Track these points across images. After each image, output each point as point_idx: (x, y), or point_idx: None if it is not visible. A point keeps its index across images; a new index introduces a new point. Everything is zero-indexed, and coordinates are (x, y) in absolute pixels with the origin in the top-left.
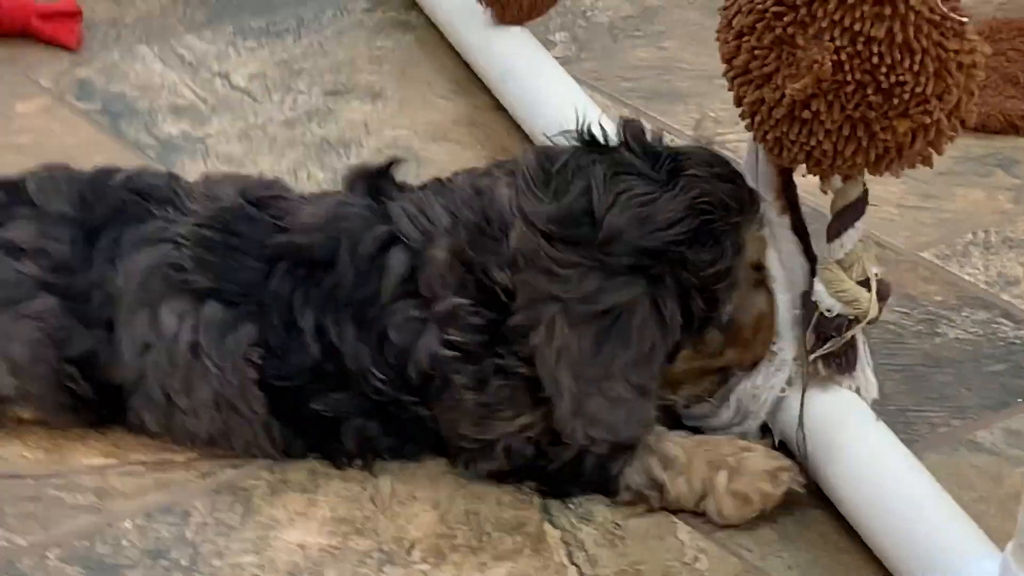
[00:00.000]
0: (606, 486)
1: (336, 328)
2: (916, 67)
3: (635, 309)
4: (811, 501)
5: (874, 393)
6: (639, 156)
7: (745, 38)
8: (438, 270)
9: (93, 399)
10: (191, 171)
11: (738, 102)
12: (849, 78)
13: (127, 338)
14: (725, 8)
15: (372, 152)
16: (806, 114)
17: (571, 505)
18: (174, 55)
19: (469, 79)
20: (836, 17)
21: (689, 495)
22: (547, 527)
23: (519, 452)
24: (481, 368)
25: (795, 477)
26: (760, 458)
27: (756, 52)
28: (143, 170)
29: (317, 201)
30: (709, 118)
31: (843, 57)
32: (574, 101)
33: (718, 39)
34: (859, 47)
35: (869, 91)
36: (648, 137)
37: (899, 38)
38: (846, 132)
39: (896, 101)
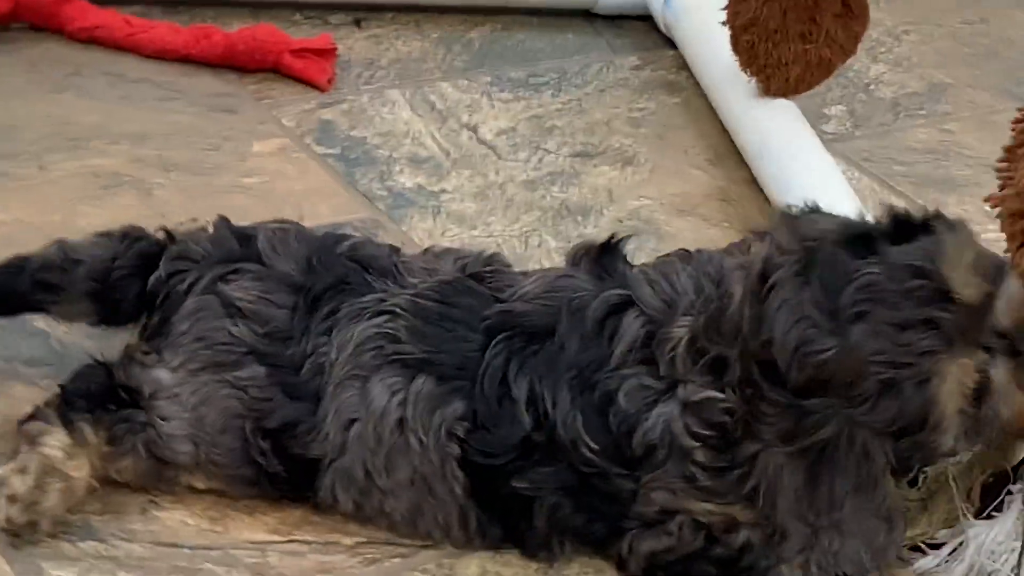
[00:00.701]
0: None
1: (551, 395)
2: None
3: (837, 443)
4: None
5: None
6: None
7: None
8: (680, 349)
9: (281, 475)
10: (419, 228)
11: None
12: None
13: (333, 411)
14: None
15: (611, 222)
16: None
17: None
18: (425, 102)
19: (730, 150)
20: None
21: None
22: None
23: (691, 534)
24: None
25: None
26: None
27: None
28: (368, 240)
29: (538, 275)
30: None
31: None
32: (830, 184)
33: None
34: None
35: None
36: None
37: None
38: None
39: None
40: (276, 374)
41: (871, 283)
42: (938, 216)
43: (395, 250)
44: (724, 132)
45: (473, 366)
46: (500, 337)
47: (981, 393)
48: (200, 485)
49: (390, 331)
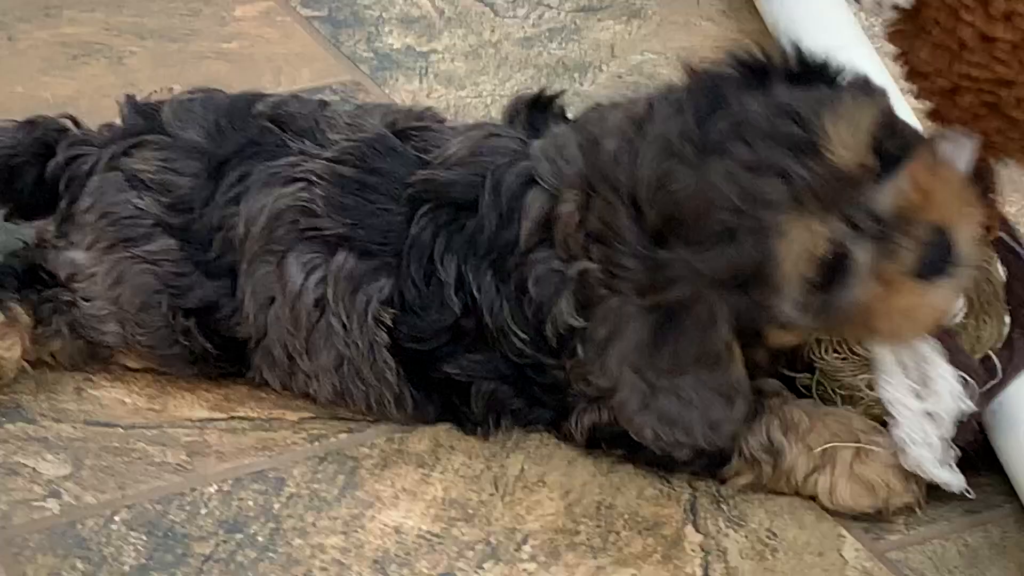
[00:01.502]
0: (721, 450)
1: (476, 280)
2: None
3: (687, 306)
4: (1014, 520)
5: None
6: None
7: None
8: (567, 228)
9: (212, 354)
10: (403, 90)
11: (1009, 122)
12: None
13: (249, 291)
14: (929, 13)
15: (610, 78)
16: None
17: (724, 506)
18: None
19: (745, 1)
20: None
21: (804, 465)
22: (688, 530)
23: None
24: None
25: (923, 491)
26: (892, 455)
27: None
28: (292, 97)
29: (468, 132)
30: None
31: None
32: (844, 35)
33: (947, 64)
34: None
35: None
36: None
37: None
38: None
39: None
40: (187, 248)
41: (742, 120)
42: (860, 78)
43: (323, 104)
44: None
45: (397, 240)
46: (425, 209)
47: (834, 269)
48: (134, 364)
49: (304, 203)
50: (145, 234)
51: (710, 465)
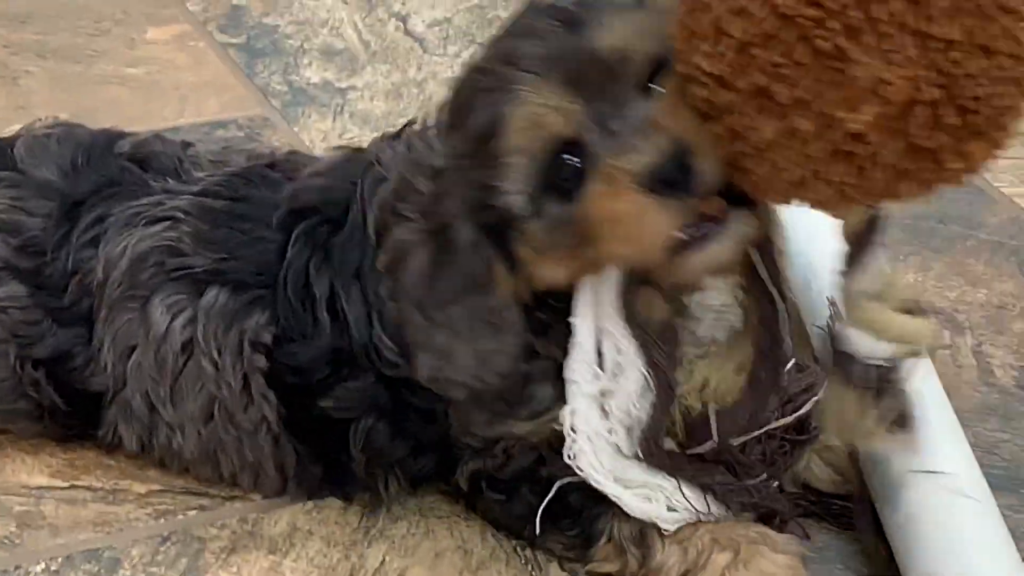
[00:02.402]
0: (589, 528)
1: (345, 292)
2: (996, 72)
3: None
4: None
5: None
6: None
7: (757, 51)
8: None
9: (61, 409)
10: (314, 128)
11: (734, 136)
12: (923, 98)
13: (109, 339)
14: (692, 5)
15: None
16: (860, 148)
17: None
18: None
19: None
20: (904, 19)
21: (677, 566)
22: None
23: (518, 457)
24: None
25: None
26: (777, 557)
27: (781, 70)
28: (155, 137)
29: (335, 150)
30: None
31: (915, 72)
32: None
33: (687, 47)
34: (933, 55)
35: (945, 112)
36: None
37: (979, 37)
38: (907, 165)
39: (975, 119)
40: (38, 294)
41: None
42: None
43: (186, 145)
44: None
45: (274, 268)
46: (300, 228)
47: (567, 152)
48: None
49: (171, 242)
50: None
51: (579, 541)
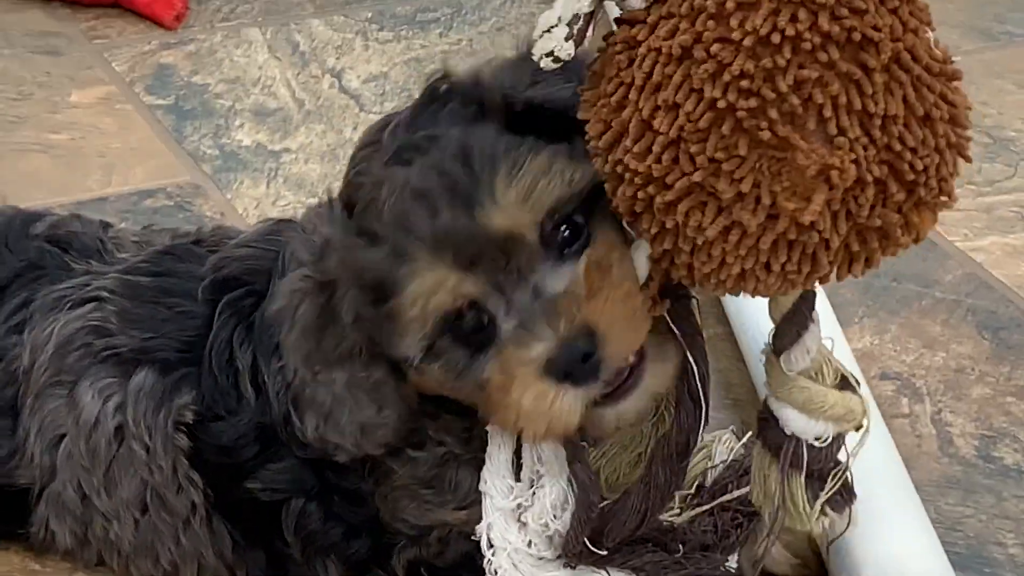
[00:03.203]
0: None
1: (265, 365)
2: (937, 140)
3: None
4: None
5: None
6: None
7: (692, 147)
8: None
9: None
10: (247, 195)
11: (671, 233)
12: (869, 177)
13: (36, 429)
14: (611, 103)
15: None
16: (809, 237)
17: None
18: (288, 43)
19: None
20: (844, 100)
21: None
22: None
23: (454, 544)
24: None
25: None
26: None
27: (721, 165)
28: (72, 217)
29: (263, 222)
30: None
31: (860, 153)
32: None
33: (611, 145)
34: (875, 134)
35: (892, 188)
36: None
37: (917, 109)
38: (856, 246)
39: (921, 191)
40: None
41: (435, 139)
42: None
43: (105, 226)
44: None
45: (200, 344)
46: (225, 300)
47: (471, 331)
48: None
49: (97, 322)
50: None
51: None
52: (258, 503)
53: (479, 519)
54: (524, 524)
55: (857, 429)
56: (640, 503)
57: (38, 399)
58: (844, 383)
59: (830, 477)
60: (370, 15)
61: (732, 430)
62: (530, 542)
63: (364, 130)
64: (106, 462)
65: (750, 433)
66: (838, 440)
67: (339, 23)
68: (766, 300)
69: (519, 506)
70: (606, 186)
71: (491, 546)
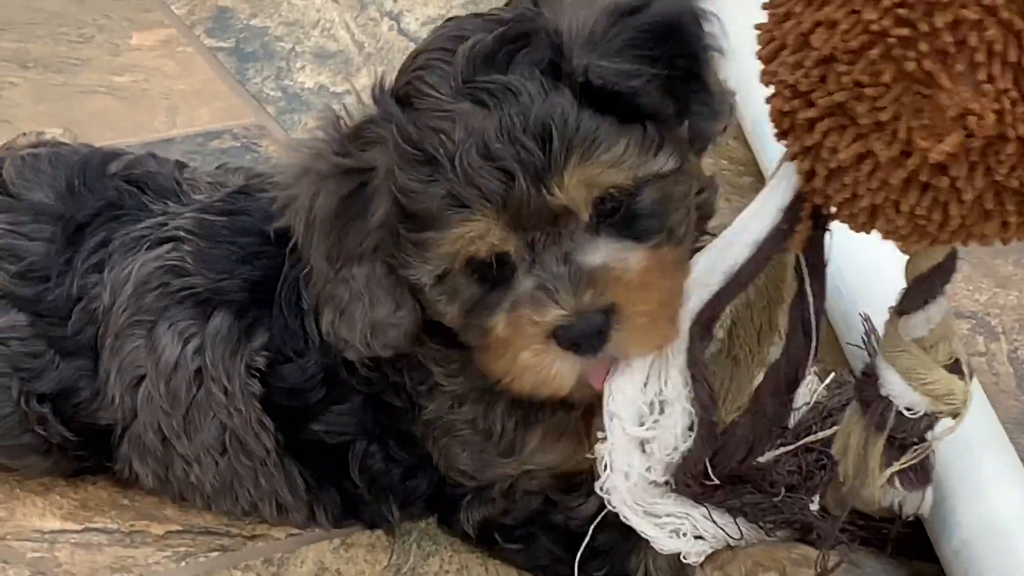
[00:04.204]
0: (621, 565)
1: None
2: None
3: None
4: None
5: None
6: None
7: (840, 66)
8: None
9: (72, 443)
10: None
11: (811, 155)
12: (1012, 134)
13: (115, 369)
14: (779, 14)
15: None
16: (940, 181)
17: None
18: None
19: None
20: (999, 49)
21: None
22: None
23: (521, 500)
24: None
25: None
26: None
27: (864, 89)
28: (148, 156)
29: None
30: None
31: (1006, 104)
32: None
33: (771, 56)
34: None
35: None
36: None
37: None
38: (990, 204)
39: None
40: (39, 323)
41: (514, 91)
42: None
43: (181, 166)
44: None
45: (273, 283)
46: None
47: (491, 282)
48: None
49: (175, 262)
50: None
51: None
52: (325, 446)
53: (535, 471)
54: (647, 451)
55: (953, 416)
56: (748, 434)
57: (118, 339)
58: (955, 366)
59: (910, 450)
60: None
61: (815, 371)
62: (649, 467)
63: (433, 30)
64: (186, 405)
65: (832, 375)
66: (930, 418)
67: None
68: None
69: (642, 419)
70: (767, 100)
71: (608, 468)
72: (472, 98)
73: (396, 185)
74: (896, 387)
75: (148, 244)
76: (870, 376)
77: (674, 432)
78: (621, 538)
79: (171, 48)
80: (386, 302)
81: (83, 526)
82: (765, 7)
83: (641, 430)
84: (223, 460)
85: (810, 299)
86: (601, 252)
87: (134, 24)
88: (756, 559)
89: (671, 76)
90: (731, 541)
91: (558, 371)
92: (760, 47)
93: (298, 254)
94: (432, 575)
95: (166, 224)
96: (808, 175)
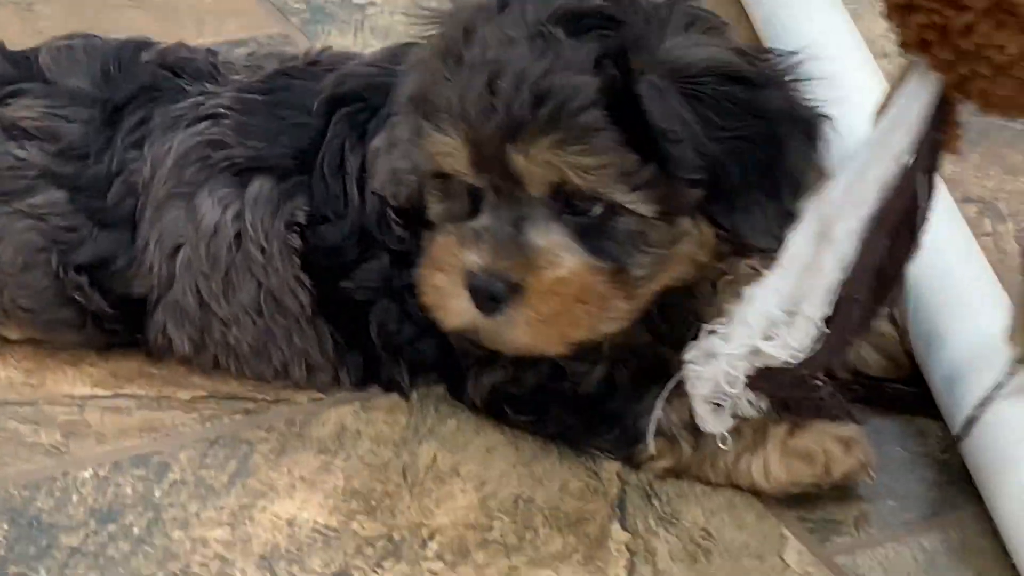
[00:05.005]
0: (632, 427)
1: (372, 169)
2: None
3: None
4: (975, 523)
5: None
6: None
7: None
8: None
9: (107, 313)
10: (336, 45)
11: (972, 57)
12: None
13: (155, 238)
14: None
15: None
16: None
17: (655, 502)
18: None
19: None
20: None
21: (732, 447)
22: (614, 528)
23: (532, 367)
24: None
25: (868, 457)
26: (830, 424)
27: None
28: (179, 44)
29: (385, 45)
30: None
31: None
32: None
33: None
34: None
35: None
36: None
37: None
38: None
39: None
40: (78, 198)
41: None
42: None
43: (212, 52)
44: None
45: (314, 151)
46: (341, 112)
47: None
48: (13, 335)
49: (215, 136)
50: (28, 187)
51: (623, 442)
52: (353, 303)
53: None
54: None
55: None
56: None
57: (158, 210)
58: None
59: None
60: None
61: None
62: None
63: None
64: (225, 267)
65: None
66: None
67: None
68: None
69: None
70: (894, 21)
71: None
72: (532, 36)
73: (429, 66)
74: None
75: (187, 122)
76: None
77: (789, 341)
78: (633, 402)
79: None
80: (402, 158)
81: (112, 392)
82: None
83: (762, 328)
84: (259, 320)
85: (923, 199)
86: (544, 237)
87: None
88: (766, 418)
89: (742, 171)
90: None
91: (454, 306)
92: None
93: (345, 123)
94: (449, 435)
95: (204, 103)
96: (962, 80)
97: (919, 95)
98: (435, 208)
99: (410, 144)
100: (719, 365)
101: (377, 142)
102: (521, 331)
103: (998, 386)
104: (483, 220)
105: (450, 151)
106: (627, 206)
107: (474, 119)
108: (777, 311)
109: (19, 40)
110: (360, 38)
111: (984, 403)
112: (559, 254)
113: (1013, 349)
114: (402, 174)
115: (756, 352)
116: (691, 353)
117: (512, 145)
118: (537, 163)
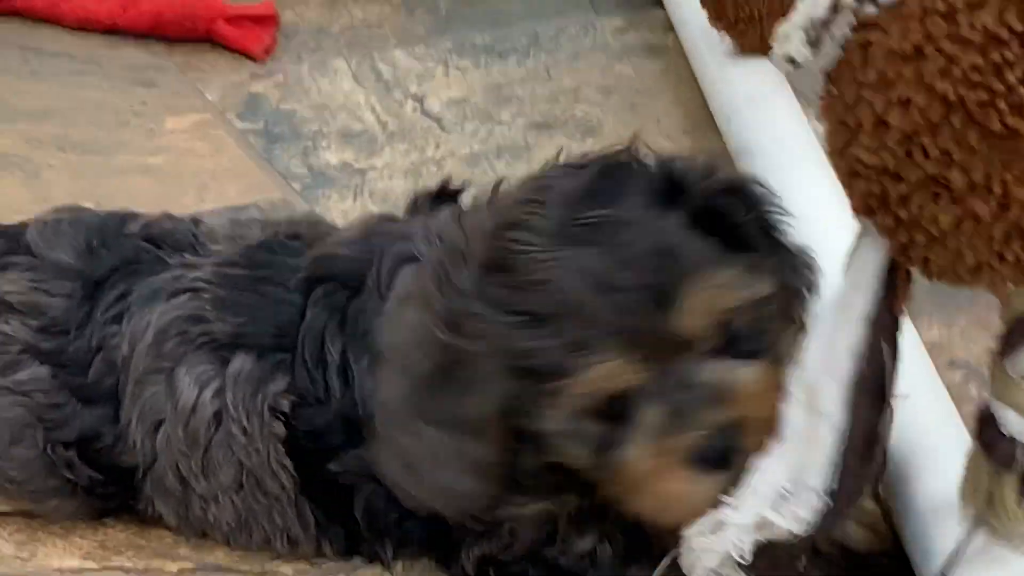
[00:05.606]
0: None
1: (355, 362)
2: None
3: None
4: None
5: None
6: None
7: (924, 139)
8: None
9: (99, 483)
10: (335, 209)
11: (908, 226)
12: None
13: (136, 415)
14: (846, 102)
15: None
16: None
17: None
18: (372, 71)
19: (709, 118)
20: None
21: None
22: None
23: (523, 533)
24: None
25: None
26: None
27: (953, 157)
28: (165, 216)
29: (362, 219)
30: None
31: None
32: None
33: (846, 142)
34: None
35: None
36: None
37: None
38: None
39: None
40: (61, 374)
41: (621, 226)
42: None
43: (196, 221)
44: (703, 99)
45: (295, 330)
46: (320, 291)
47: (618, 416)
48: (4, 507)
49: (194, 311)
50: (12, 362)
51: None
52: (337, 485)
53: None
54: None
55: None
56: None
57: (138, 386)
58: None
59: None
60: (450, 45)
61: None
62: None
63: (518, 185)
64: (203, 446)
65: None
66: None
67: (420, 53)
68: None
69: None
70: (843, 185)
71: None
72: (574, 241)
73: (504, 355)
74: (1017, 425)
75: (167, 295)
76: (987, 419)
77: (798, 512)
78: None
79: (203, 131)
80: (459, 474)
81: (102, 565)
82: (823, 98)
83: (771, 500)
84: (239, 499)
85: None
86: (717, 371)
87: (170, 110)
88: None
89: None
90: None
91: (704, 494)
92: (830, 135)
93: (323, 305)
94: None
95: (184, 276)
96: (903, 247)
97: (873, 258)
98: (580, 453)
99: (452, 455)
100: (728, 536)
101: (390, 465)
102: (757, 449)
103: (958, 550)
104: (653, 410)
105: (615, 370)
106: (766, 294)
107: (622, 322)
108: (784, 482)
109: (27, 208)
110: (359, 202)
111: (947, 569)
112: (736, 373)
113: (965, 510)
114: (462, 488)
115: (763, 524)
116: (696, 526)
117: (675, 313)
118: (703, 311)
